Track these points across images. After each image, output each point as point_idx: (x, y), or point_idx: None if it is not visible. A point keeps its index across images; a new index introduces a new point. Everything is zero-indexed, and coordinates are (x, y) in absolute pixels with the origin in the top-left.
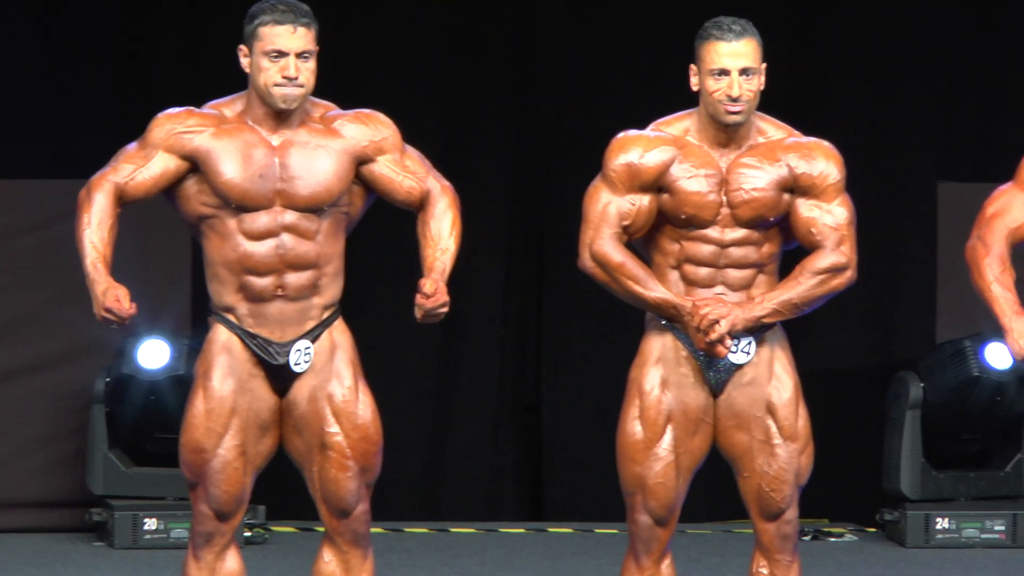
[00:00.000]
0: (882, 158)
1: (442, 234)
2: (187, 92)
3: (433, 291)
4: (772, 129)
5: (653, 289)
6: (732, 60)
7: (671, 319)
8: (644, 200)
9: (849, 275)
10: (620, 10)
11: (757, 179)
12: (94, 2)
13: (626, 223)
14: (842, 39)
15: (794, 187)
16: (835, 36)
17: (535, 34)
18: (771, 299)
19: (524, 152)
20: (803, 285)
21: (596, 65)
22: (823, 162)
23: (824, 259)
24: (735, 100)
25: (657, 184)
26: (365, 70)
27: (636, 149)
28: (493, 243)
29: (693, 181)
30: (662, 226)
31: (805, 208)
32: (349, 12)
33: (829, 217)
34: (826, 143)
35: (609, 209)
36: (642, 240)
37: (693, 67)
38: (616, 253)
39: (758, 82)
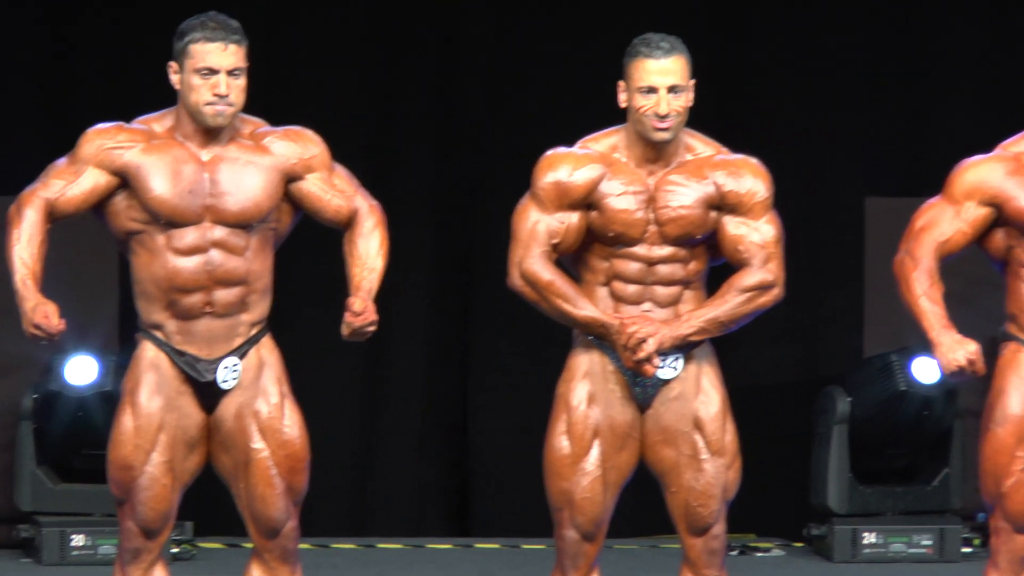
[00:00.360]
0: (809, 173)
1: (369, 253)
2: (112, 107)
3: (362, 310)
4: (700, 146)
5: (582, 307)
6: (660, 77)
7: (599, 337)
8: (573, 218)
9: (776, 293)
10: (546, 27)
11: (684, 196)
12: (16, 17)
13: (555, 241)
14: (769, 55)
15: (721, 204)
16: (762, 52)
17: (461, 51)
18: (698, 317)
19: (451, 170)
20: (730, 303)
21: (523, 82)
22: (751, 179)
23: (751, 277)
24: (663, 117)
25: (586, 202)
26: (291, 87)
27: (565, 167)
28: (420, 260)
29: (621, 199)
30: (591, 244)
31: (732, 225)
32: (276, 30)
33: (756, 235)
34: (754, 160)
35: (538, 227)
36: (571, 257)
37: (621, 83)
38: (545, 271)
39: (686, 99)
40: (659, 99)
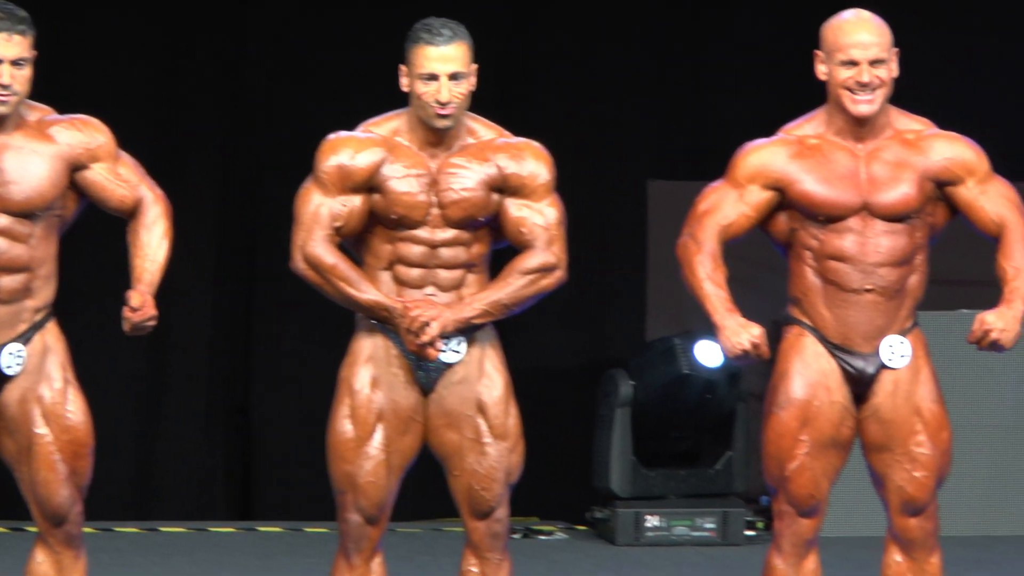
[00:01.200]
0: (593, 157)
1: (151, 244)
2: None
3: (140, 304)
4: (483, 129)
5: (365, 291)
6: (441, 65)
7: (383, 321)
8: (356, 201)
9: (559, 275)
10: (329, 11)
11: (467, 179)
12: None
13: (338, 224)
14: (552, 38)
15: (504, 187)
16: (545, 35)
17: (244, 37)
18: (480, 300)
19: (234, 154)
20: (512, 285)
21: (305, 66)
22: (532, 162)
23: (534, 259)
24: (444, 104)
25: (368, 185)
26: (76, 75)
27: (347, 150)
28: (203, 245)
29: (403, 182)
30: (374, 227)
31: (515, 208)
32: (61, 17)
33: (539, 217)
34: (536, 143)
35: (321, 211)
36: (353, 241)
37: (403, 67)
38: (328, 255)
39: (468, 85)
40: (440, 86)
